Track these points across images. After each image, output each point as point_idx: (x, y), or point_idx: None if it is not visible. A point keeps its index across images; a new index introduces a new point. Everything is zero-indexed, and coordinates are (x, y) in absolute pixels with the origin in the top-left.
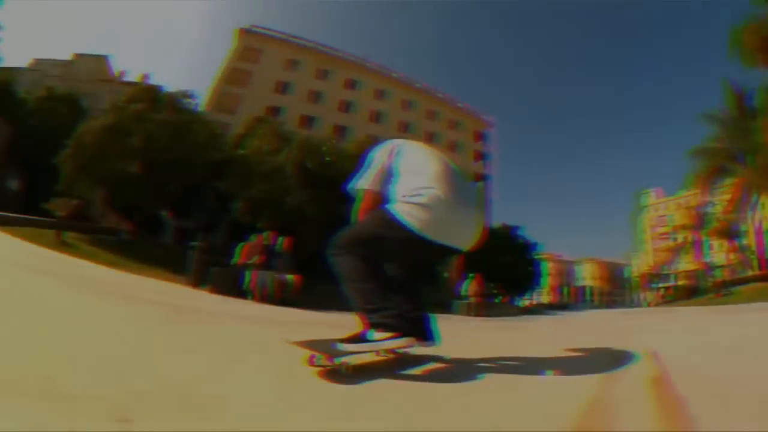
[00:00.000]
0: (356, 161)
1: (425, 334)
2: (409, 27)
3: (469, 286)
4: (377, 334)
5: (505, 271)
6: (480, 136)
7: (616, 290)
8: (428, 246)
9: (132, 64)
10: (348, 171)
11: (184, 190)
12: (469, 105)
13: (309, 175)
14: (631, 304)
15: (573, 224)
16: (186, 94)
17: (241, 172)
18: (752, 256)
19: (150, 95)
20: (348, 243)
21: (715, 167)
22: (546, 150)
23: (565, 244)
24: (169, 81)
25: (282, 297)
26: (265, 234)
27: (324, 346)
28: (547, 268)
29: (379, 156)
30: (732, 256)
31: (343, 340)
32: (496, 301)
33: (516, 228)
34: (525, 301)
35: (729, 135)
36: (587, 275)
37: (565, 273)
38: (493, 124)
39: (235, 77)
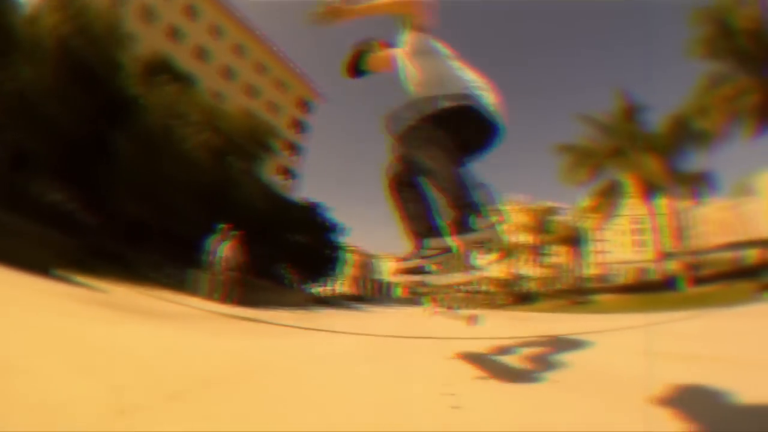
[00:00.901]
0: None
1: None
2: None
3: (223, 251)
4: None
5: (302, 251)
6: (304, 106)
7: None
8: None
9: None
10: None
11: None
12: (305, 71)
13: None
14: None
15: (380, 218)
16: None
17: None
18: (565, 273)
19: None
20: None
21: (590, 165)
22: (369, 139)
23: (370, 237)
24: None
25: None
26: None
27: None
28: (349, 257)
29: None
30: (540, 269)
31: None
32: (287, 283)
33: (319, 206)
34: (319, 288)
35: (608, 137)
36: (387, 270)
37: (367, 266)
38: (323, 97)
39: None
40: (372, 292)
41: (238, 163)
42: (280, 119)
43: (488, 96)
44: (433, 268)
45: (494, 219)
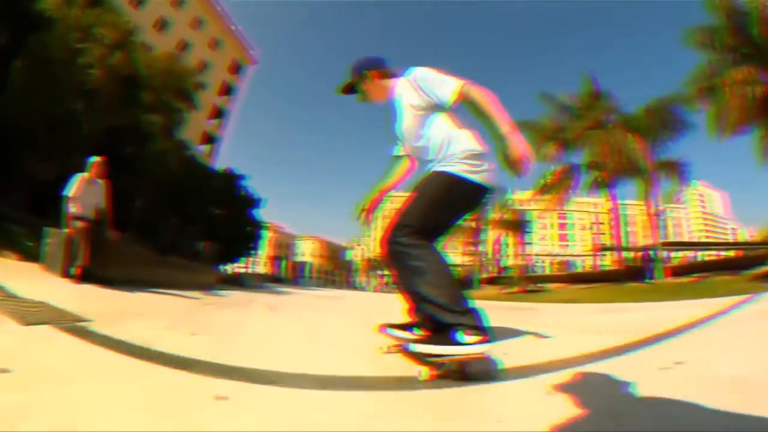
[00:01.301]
0: None
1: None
2: None
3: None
4: (467, 338)
5: (220, 225)
6: (236, 68)
7: (337, 270)
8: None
9: None
10: None
11: None
12: (244, 33)
13: None
14: (358, 286)
15: (301, 198)
16: None
17: None
18: (488, 261)
19: None
20: (423, 227)
21: (558, 141)
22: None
23: (288, 217)
24: None
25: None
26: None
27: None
28: (267, 236)
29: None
30: (467, 258)
31: (420, 341)
32: (201, 260)
33: (241, 177)
34: (232, 268)
35: (575, 118)
36: (308, 252)
37: (285, 246)
38: (257, 61)
39: None
40: (291, 274)
41: (152, 115)
42: (208, 80)
43: (487, 166)
44: (421, 332)
45: (476, 338)
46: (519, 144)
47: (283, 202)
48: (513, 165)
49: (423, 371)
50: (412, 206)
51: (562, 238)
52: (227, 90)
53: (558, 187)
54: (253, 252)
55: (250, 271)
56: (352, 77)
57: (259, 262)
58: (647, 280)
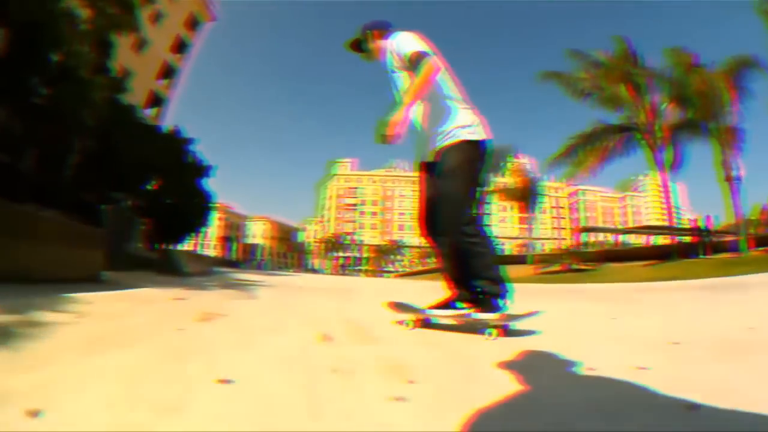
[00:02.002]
0: None
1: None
2: None
3: None
4: (505, 304)
5: (162, 193)
6: (193, 24)
7: (289, 252)
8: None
9: None
10: None
11: None
12: None
13: None
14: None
15: (252, 176)
16: None
17: None
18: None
19: None
20: (473, 209)
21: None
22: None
23: (238, 197)
24: None
25: None
26: None
27: (412, 311)
28: (216, 218)
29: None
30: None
31: (432, 307)
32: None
33: (190, 140)
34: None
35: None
36: (258, 233)
37: (236, 227)
38: (217, 18)
39: None
40: (242, 256)
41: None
42: (160, 33)
43: (479, 121)
44: (464, 305)
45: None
46: (397, 115)
47: (233, 180)
48: (380, 127)
49: (492, 332)
50: (457, 191)
51: (522, 221)
52: (180, 47)
53: (590, 151)
54: (203, 228)
55: (191, 250)
56: (359, 35)
57: (208, 245)
58: (701, 256)
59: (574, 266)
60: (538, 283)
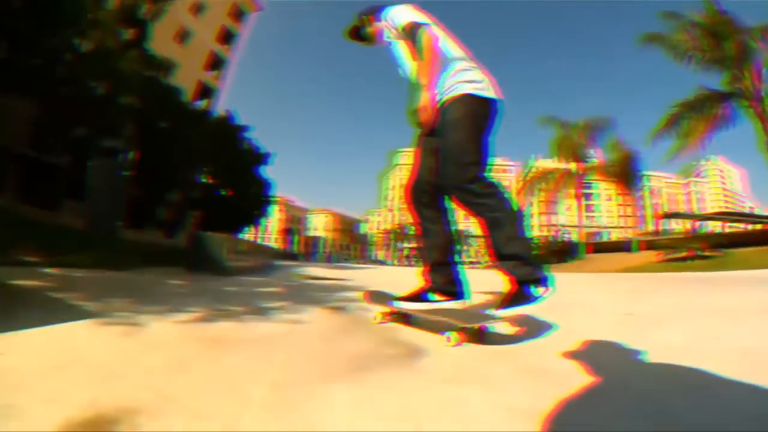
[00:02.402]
0: None
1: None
2: None
3: None
4: (538, 290)
5: (216, 187)
6: (238, 14)
7: (352, 245)
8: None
9: None
10: None
11: None
12: None
13: None
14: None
15: (312, 169)
16: None
17: None
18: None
19: None
20: (481, 160)
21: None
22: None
23: (298, 190)
24: None
25: None
26: None
27: (384, 302)
28: (276, 211)
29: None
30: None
31: (402, 298)
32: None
33: (245, 127)
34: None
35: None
36: (320, 226)
37: (296, 220)
38: (262, 7)
39: None
40: (304, 249)
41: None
42: (204, 25)
43: (488, 81)
44: (437, 297)
45: (542, 290)
46: (424, 99)
47: (292, 173)
48: (413, 114)
49: (452, 336)
50: (459, 138)
51: (588, 209)
52: (227, 37)
53: (698, 120)
54: (262, 219)
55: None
56: (356, 22)
57: (269, 238)
58: None
59: (701, 252)
60: (663, 272)
